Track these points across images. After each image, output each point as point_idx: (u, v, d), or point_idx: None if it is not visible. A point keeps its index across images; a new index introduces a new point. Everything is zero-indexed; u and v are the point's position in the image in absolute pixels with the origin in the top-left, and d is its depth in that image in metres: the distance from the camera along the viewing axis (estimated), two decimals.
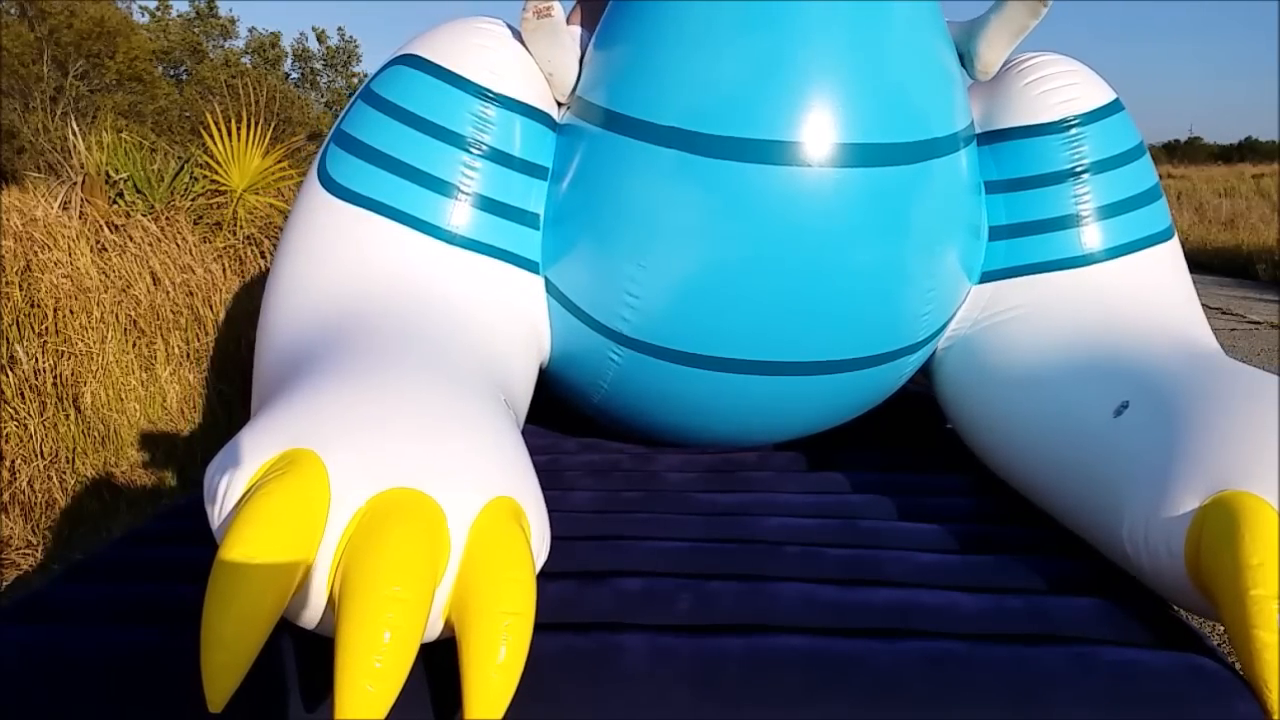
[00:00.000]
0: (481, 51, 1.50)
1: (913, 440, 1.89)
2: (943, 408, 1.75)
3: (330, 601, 0.86)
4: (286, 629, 0.93)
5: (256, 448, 0.92)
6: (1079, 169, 1.56)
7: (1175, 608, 1.12)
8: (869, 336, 1.49)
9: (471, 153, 1.47)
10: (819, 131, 1.31)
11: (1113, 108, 1.62)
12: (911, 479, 1.60)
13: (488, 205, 1.48)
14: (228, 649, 0.78)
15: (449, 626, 0.88)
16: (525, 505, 0.97)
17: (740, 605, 1.09)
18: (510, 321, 1.48)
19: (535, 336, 1.56)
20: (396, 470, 0.90)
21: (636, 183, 1.41)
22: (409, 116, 1.47)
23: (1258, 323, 7.06)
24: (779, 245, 1.36)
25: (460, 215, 1.46)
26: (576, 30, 1.61)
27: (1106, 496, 1.17)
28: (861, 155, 1.33)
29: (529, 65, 1.53)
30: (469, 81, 1.48)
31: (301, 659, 0.97)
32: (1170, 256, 1.61)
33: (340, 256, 1.43)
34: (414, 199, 1.44)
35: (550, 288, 1.55)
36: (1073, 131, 1.57)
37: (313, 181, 1.52)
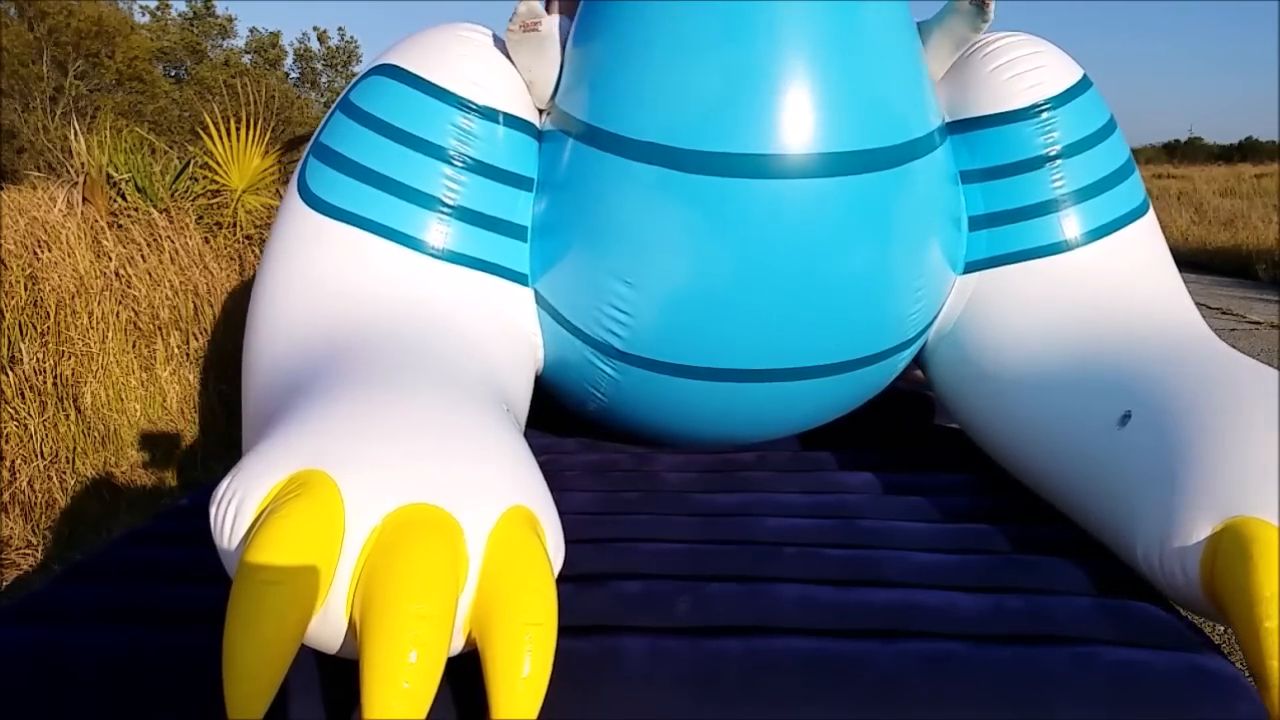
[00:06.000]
0: (461, 61, 1.47)
1: (911, 439, 1.89)
2: (940, 402, 1.75)
3: (350, 624, 0.85)
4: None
5: (265, 471, 0.90)
6: (1053, 153, 1.55)
7: (1176, 607, 1.12)
8: (860, 339, 1.49)
9: (454, 165, 1.44)
10: (799, 143, 1.30)
11: (1081, 86, 1.60)
12: (910, 479, 1.60)
13: (473, 218, 1.45)
14: (252, 678, 0.77)
15: (470, 641, 0.87)
16: (539, 514, 0.96)
17: (740, 607, 1.09)
18: (503, 333, 1.46)
19: (529, 347, 1.54)
20: (410, 486, 0.89)
21: (620, 199, 1.40)
22: (389, 129, 1.44)
23: (1258, 323, 7.05)
24: (766, 257, 1.35)
25: (445, 229, 1.43)
26: (556, 21, 1.55)
27: (1117, 512, 1.18)
28: (843, 163, 1.32)
29: (511, 74, 1.51)
30: (450, 93, 1.45)
31: (320, 671, 0.96)
32: (1148, 232, 1.60)
33: (325, 273, 1.40)
34: (397, 213, 1.41)
35: (540, 300, 1.53)
36: (1044, 116, 1.55)
37: (293, 195, 1.48)
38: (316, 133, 1.54)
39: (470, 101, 1.45)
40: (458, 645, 0.88)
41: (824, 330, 1.44)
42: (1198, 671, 0.97)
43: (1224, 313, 7.36)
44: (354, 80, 1.57)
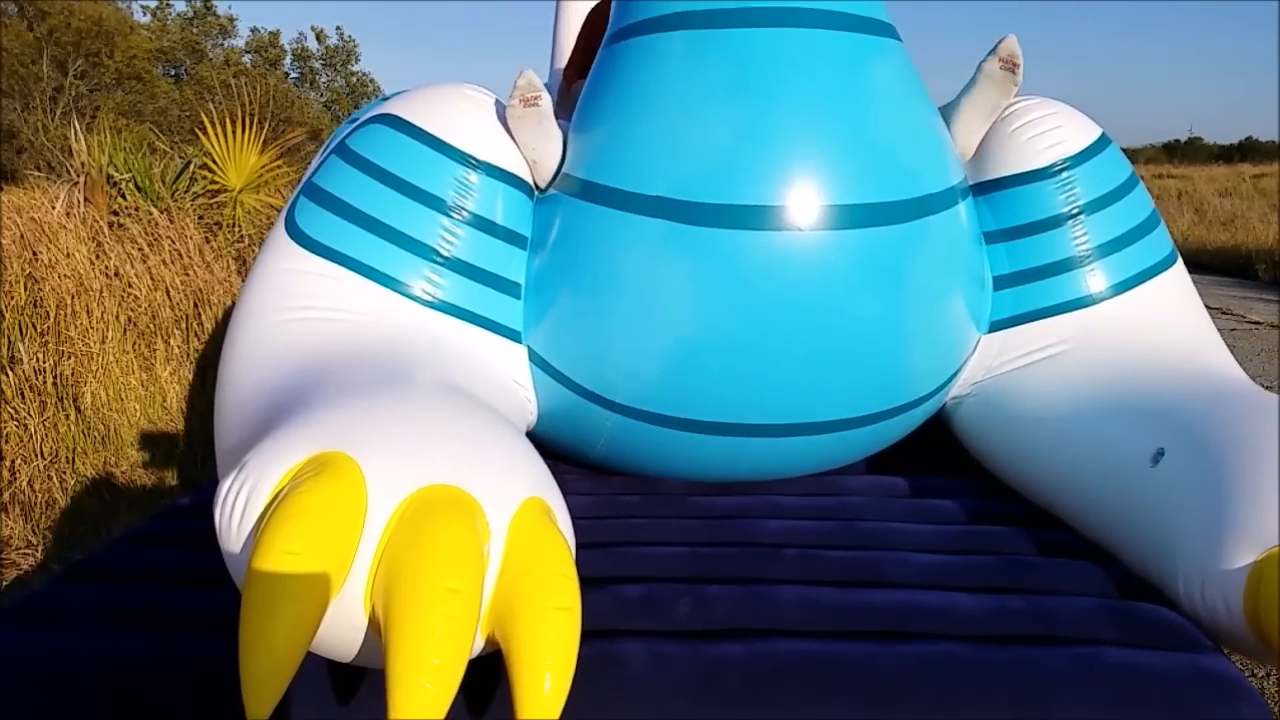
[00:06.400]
0: (464, 117, 1.46)
1: (912, 441, 1.88)
2: (970, 453, 1.73)
3: (371, 617, 0.83)
4: None
5: (281, 455, 0.87)
6: (1075, 210, 1.56)
7: (1181, 609, 1.12)
8: (871, 395, 1.47)
9: (452, 218, 1.42)
10: (809, 194, 1.29)
11: (1100, 144, 1.62)
12: (911, 480, 1.60)
13: (468, 271, 1.43)
14: (271, 655, 0.74)
15: (490, 641, 0.85)
16: (554, 508, 0.95)
17: (740, 609, 1.09)
18: (493, 384, 1.42)
19: (519, 401, 1.51)
20: (433, 469, 0.87)
21: (624, 253, 1.38)
22: (388, 176, 1.42)
23: (1258, 323, 7.05)
24: (774, 311, 1.33)
25: (439, 279, 1.41)
26: (549, 107, 1.54)
27: (1155, 548, 1.17)
28: (854, 216, 1.31)
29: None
30: (452, 147, 1.43)
31: (316, 671, 0.95)
32: (1177, 283, 1.61)
33: (309, 307, 1.36)
34: (390, 258, 1.39)
35: (534, 356, 1.50)
36: (1064, 175, 1.57)
37: (280, 234, 1.45)
38: (308, 173, 1.51)
39: (473, 157, 1.44)
40: (477, 645, 0.85)
41: (833, 385, 1.41)
42: (1201, 673, 0.97)
43: (1224, 313, 7.36)
44: (351, 128, 1.55)
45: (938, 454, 1.76)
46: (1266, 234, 11.18)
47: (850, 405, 1.45)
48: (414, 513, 0.83)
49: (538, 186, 1.52)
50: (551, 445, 1.65)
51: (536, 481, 0.96)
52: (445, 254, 1.42)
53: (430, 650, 0.73)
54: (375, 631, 0.82)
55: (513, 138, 1.48)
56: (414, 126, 1.45)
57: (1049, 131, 1.59)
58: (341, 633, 0.84)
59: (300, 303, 1.37)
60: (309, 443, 0.88)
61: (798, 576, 1.18)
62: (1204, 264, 10.16)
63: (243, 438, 1.19)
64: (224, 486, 0.88)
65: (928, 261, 1.42)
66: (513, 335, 1.49)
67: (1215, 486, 1.09)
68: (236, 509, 0.85)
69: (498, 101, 1.54)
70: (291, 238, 1.42)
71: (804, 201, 1.29)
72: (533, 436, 1.58)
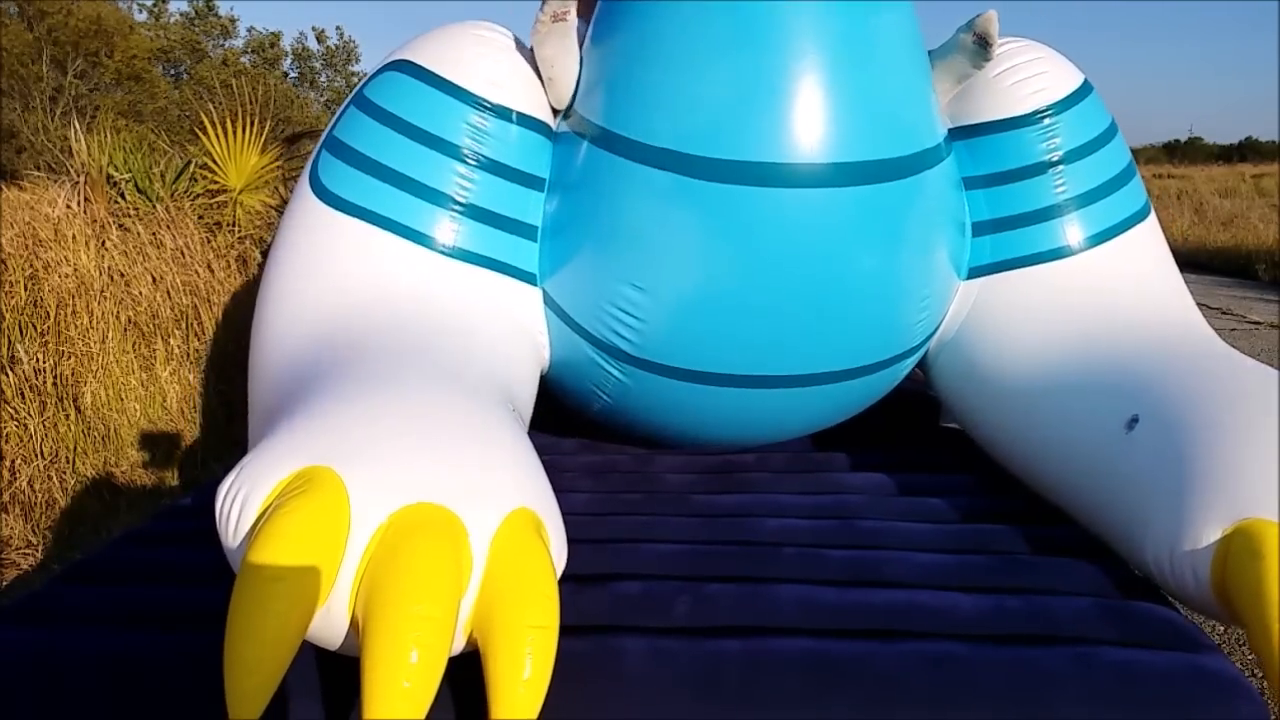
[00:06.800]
0: (478, 60, 1.47)
1: (912, 440, 1.89)
2: (944, 407, 1.75)
3: (353, 622, 0.85)
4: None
5: (271, 467, 0.90)
6: (1056, 159, 1.56)
7: (1178, 608, 1.12)
8: (868, 346, 1.49)
9: (467, 163, 1.44)
10: (812, 152, 1.30)
11: (1083, 91, 1.61)
12: (910, 479, 1.60)
13: (484, 216, 1.46)
14: (254, 673, 0.76)
15: (471, 641, 0.87)
16: (543, 516, 0.96)
17: (739, 607, 1.09)
18: (510, 331, 1.46)
19: (535, 347, 1.54)
20: (416, 486, 0.89)
21: (632, 204, 1.40)
22: (403, 125, 1.44)
23: (1258, 323, 7.05)
24: (777, 266, 1.35)
25: (456, 226, 1.44)
26: (575, 24, 1.57)
27: (1126, 516, 1.18)
28: (854, 173, 1.32)
29: (527, 74, 1.51)
30: (465, 91, 1.45)
31: (320, 671, 0.96)
32: (1150, 235, 1.61)
33: (335, 267, 1.40)
34: (408, 209, 1.42)
35: (548, 300, 1.53)
36: (1047, 122, 1.56)
37: (304, 189, 1.49)
38: (330, 126, 1.54)
39: (485, 100, 1.46)
40: (459, 645, 0.88)
41: (832, 337, 1.44)
42: (1199, 672, 0.97)
43: (1224, 313, 7.36)
44: (369, 75, 1.57)
45: (938, 454, 1.76)
46: (1266, 234, 11.18)
47: (848, 356, 1.47)
48: (393, 535, 0.85)
49: (554, 110, 1.54)
50: (559, 394, 1.67)
51: (526, 488, 0.97)
52: (462, 200, 1.44)
53: (401, 674, 0.76)
54: (357, 634, 0.84)
55: (536, 55, 1.48)
56: (427, 71, 1.47)
57: (1032, 78, 1.58)
58: (327, 634, 0.87)
59: (322, 264, 1.40)
60: (298, 455, 0.91)
61: (797, 575, 1.18)
62: (1204, 264, 10.16)
63: (275, 401, 1.23)
64: (223, 486, 0.91)
65: (922, 215, 1.43)
66: (529, 278, 1.51)
67: (1185, 459, 1.10)
68: (233, 513, 0.88)
69: (513, 37, 1.54)
70: (315, 194, 1.46)
71: (806, 158, 1.30)
72: (541, 384, 1.60)
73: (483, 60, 1.48)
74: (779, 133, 1.30)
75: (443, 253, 1.43)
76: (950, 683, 0.96)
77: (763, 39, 1.30)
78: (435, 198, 1.43)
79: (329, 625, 0.86)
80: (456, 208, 1.44)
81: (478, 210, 1.45)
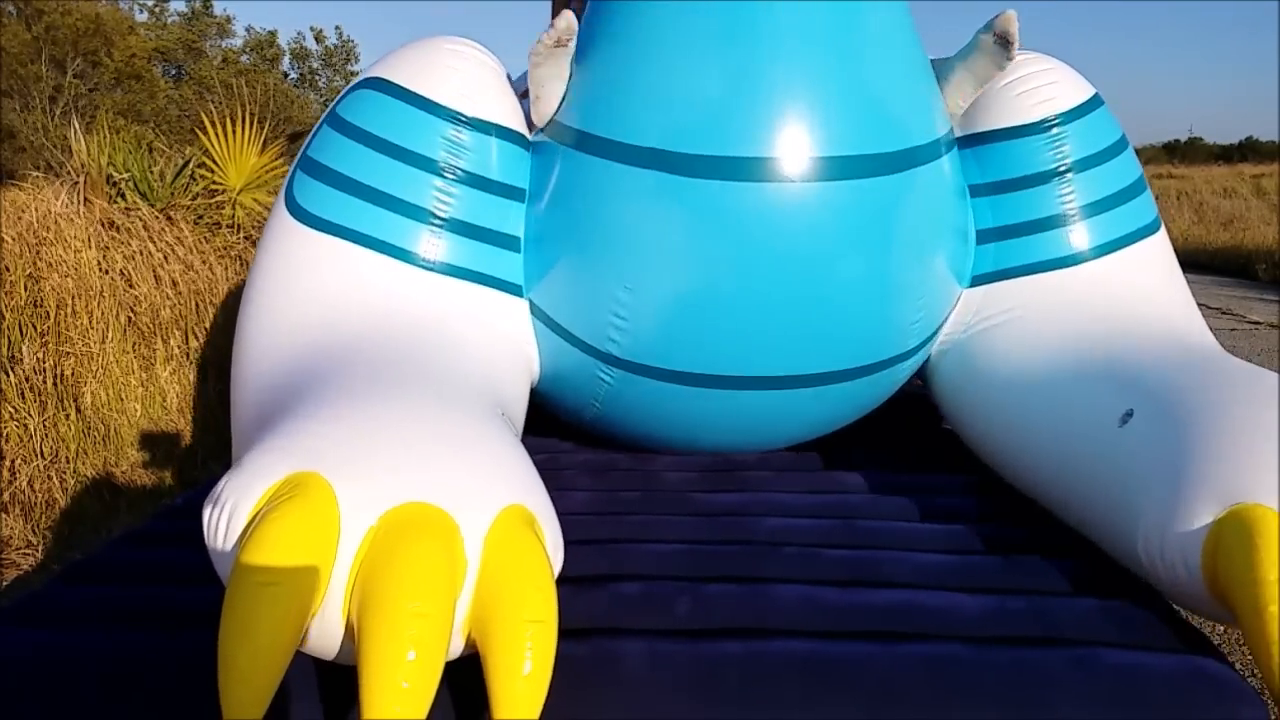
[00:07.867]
0: (451, 74, 1.46)
1: (912, 440, 1.89)
2: (942, 412, 1.75)
3: (349, 628, 0.84)
4: None
5: (257, 475, 0.89)
6: (1063, 168, 1.56)
7: (1179, 609, 1.12)
8: (861, 347, 1.48)
9: (445, 177, 1.43)
10: (800, 146, 1.30)
11: (1092, 104, 1.61)
12: (911, 479, 1.60)
13: (465, 230, 1.45)
14: (249, 682, 0.76)
15: (470, 644, 0.87)
16: (537, 513, 0.95)
17: (739, 608, 1.09)
18: (498, 344, 1.45)
19: (524, 358, 1.53)
20: (406, 486, 0.88)
21: (618, 205, 1.39)
22: (378, 141, 1.42)
23: (1258, 323, 7.06)
24: (766, 262, 1.35)
25: (437, 241, 1.42)
26: (572, 51, 1.56)
27: (1117, 508, 1.17)
28: (844, 168, 1.32)
29: (501, 86, 1.50)
30: (440, 105, 1.44)
31: (318, 672, 0.95)
32: (1159, 249, 1.61)
33: (316, 284, 1.38)
34: (389, 225, 1.40)
35: (535, 310, 1.52)
36: (1054, 131, 1.56)
37: (280, 210, 1.46)
38: (303, 147, 1.52)
39: (460, 114, 1.44)
40: (457, 648, 0.87)
41: (822, 337, 1.43)
42: (1200, 674, 0.97)
43: (1224, 313, 7.36)
44: (340, 94, 1.55)
45: (938, 454, 1.76)
46: (1266, 234, 11.19)
47: (840, 357, 1.47)
48: (385, 535, 0.85)
49: (532, 126, 1.53)
50: (550, 405, 1.66)
51: (518, 486, 0.96)
52: (443, 215, 1.43)
53: (399, 674, 0.75)
54: (353, 639, 0.84)
55: (529, 74, 1.47)
56: (399, 87, 1.45)
57: (1041, 87, 1.58)
58: (322, 643, 0.86)
59: (301, 282, 1.39)
60: (285, 462, 0.90)
61: (797, 575, 1.18)
62: (1204, 264, 10.17)
63: (257, 421, 1.21)
64: (211, 496, 0.90)
65: (914, 213, 1.43)
66: (514, 289, 1.50)
67: (1177, 447, 1.09)
68: (221, 522, 0.88)
69: (482, 50, 1.53)
70: (291, 214, 1.44)
71: (794, 153, 1.30)
72: (533, 396, 1.59)
73: (455, 74, 1.46)
74: (765, 128, 1.30)
75: (425, 267, 1.41)
76: (951, 685, 0.96)
77: (750, 34, 1.30)
78: (415, 213, 1.41)
79: (324, 631, 0.85)
80: (437, 222, 1.42)
81: (458, 224, 1.44)
